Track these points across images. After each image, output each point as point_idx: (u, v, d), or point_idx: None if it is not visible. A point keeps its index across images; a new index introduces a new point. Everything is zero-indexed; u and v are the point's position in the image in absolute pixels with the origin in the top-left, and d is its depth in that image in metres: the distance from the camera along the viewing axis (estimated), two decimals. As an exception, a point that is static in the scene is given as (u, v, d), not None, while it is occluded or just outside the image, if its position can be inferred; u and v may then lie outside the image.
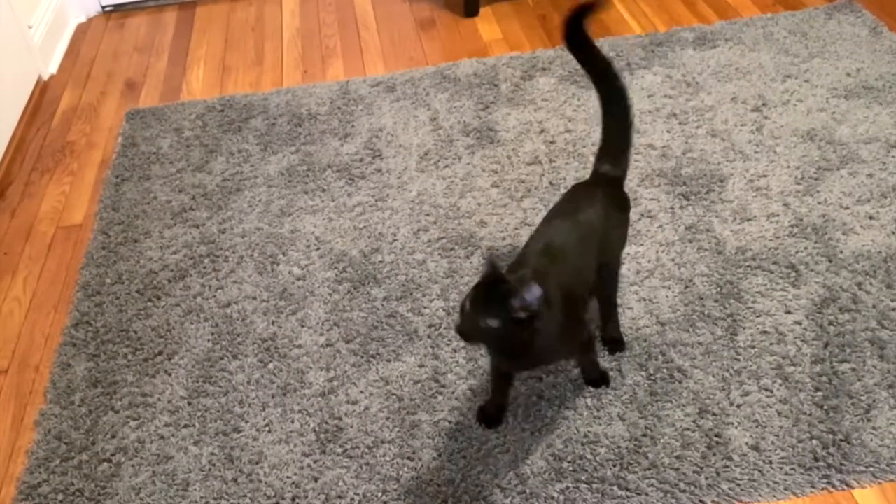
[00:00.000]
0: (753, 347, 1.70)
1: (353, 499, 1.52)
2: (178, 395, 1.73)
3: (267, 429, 1.65)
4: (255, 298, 1.93)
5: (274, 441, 1.63)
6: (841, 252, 1.88)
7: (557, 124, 2.34)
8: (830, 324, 1.73)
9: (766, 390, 1.62)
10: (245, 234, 2.11)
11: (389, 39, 2.88)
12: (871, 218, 1.95)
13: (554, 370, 1.69)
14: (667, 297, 1.82)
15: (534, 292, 1.29)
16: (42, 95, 2.78)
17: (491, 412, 1.61)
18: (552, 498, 1.49)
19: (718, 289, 1.83)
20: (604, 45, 2.65)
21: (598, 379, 1.65)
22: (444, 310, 1.84)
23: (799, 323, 1.74)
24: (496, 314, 1.31)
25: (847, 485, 1.47)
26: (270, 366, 1.77)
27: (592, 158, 2.19)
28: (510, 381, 1.60)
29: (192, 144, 2.44)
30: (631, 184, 2.11)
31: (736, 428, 1.56)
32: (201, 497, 1.55)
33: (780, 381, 1.63)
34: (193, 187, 2.28)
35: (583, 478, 1.51)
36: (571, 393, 1.65)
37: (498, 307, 1.30)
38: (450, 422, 1.62)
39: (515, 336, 1.33)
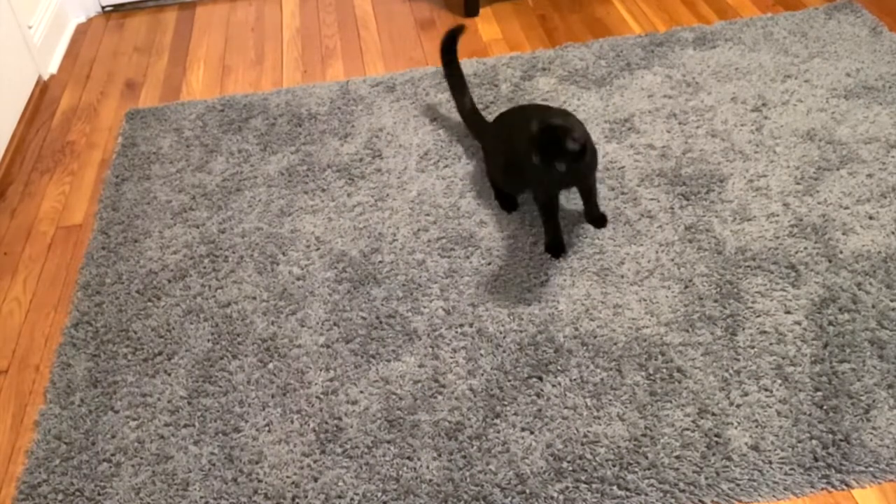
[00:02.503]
0: (753, 347, 1.70)
1: (352, 499, 1.52)
2: (178, 395, 1.73)
3: (267, 429, 1.65)
4: (255, 298, 1.93)
5: (274, 441, 1.63)
6: (841, 252, 1.88)
7: (557, 124, 2.34)
8: (830, 324, 1.73)
9: (766, 390, 1.62)
10: (245, 234, 2.11)
11: (389, 39, 2.88)
12: (870, 218, 1.95)
13: (553, 370, 1.69)
14: (667, 297, 1.82)
15: (577, 135, 1.76)
16: (42, 95, 2.78)
17: (556, 244, 1.95)
18: (552, 498, 1.49)
19: (718, 289, 1.83)
20: (604, 44, 2.65)
21: (599, 218, 2.01)
22: (444, 310, 1.84)
23: (799, 323, 1.74)
24: (563, 154, 1.75)
25: (847, 485, 1.47)
26: (270, 366, 1.77)
27: (592, 158, 2.20)
28: (557, 207, 1.95)
29: (192, 144, 2.44)
30: (631, 184, 2.11)
31: (736, 428, 1.56)
32: (201, 497, 1.55)
33: (779, 381, 1.63)
34: (193, 187, 2.28)
35: (583, 478, 1.51)
36: (571, 393, 1.65)
37: (559, 149, 1.74)
38: (450, 422, 1.63)
39: (577, 163, 1.80)
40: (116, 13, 3.23)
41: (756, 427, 1.56)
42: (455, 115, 2.42)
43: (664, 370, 1.67)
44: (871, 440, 1.52)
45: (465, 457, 1.57)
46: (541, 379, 1.68)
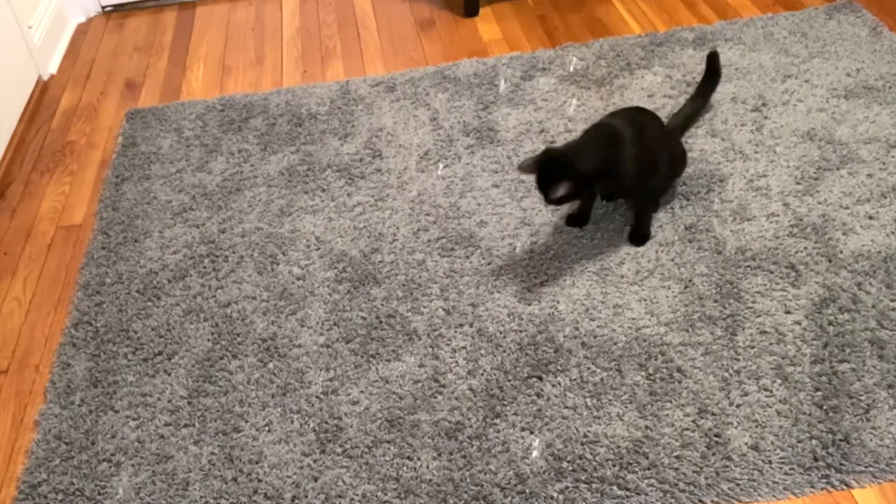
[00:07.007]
0: (753, 347, 1.70)
1: (352, 499, 1.52)
2: (178, 395, 1.73)
3: (267, 429, 1.65)
4: (255, 298, 1.93)
5: (274, 441, 1.63)
6: (841, 252, 1.88)
7: (557, 124, 2.34)
8: (830, 324, 1.73)
9: (766, 390, 1.62)
10: (245, 233, 2.11)
11: (389, 39, 2.88)
12: (870, 218, 1.95)
13: (553, 370, 1.69)
14: (667, 297, 1.82)
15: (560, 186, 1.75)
16: (42, 95, 2.78)
17: (577, 217, 2.01)
18: (552, 498, 1.49)
19: (718, 289, 1.83)
20: (604, 44, 2.65)
21: (641, 236, 1.95)
22: (443, 309, 1.84)
23: (798, 323, 1.74)
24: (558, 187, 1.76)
25: (846, 485, 1.47)
26: (270, 366, 1.77)
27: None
28: (594, 195, 2.00)
29: (192, 144, 2.44)
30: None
31: (735, 428, 1.56)
32: (201, 497, 1.55)
33: (779, 381, 1.63)
34: (193, 187, 2.28)
35: (582, 478, 1.51)
36: (571, 393, 1.65)
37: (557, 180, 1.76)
38: (450, 422, 1.63)
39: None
40: (116, 13, 3.23)
41: (756, 427, 1.56)
42: (455, 115, 2.42)
43: (664, 370, 1.67)
44: (871, 440, 1.52)
45: (465, 457, 1.57)
46: (541, 379, 1.68)
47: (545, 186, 1.78)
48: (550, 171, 1.77)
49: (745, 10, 2.77)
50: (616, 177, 1.83)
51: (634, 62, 2.56)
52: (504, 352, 1.74)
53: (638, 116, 1.93)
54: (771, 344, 1.70)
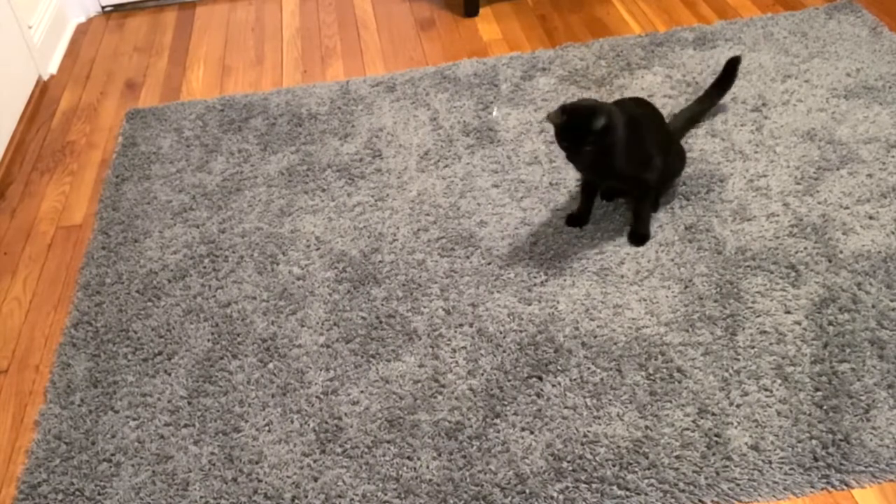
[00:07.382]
0: (753, 347, 1.70)
1: (352, 499, 1.52)
2: (178, 395, 1.73)
3: (267, 429, 1.65)
4: (255, 298, 1.93)
5: (274, 441, 1.63)
6: (841, 252, 1.88)
7: (557, 124, 2.34)
8: (830, 324, 1.73)
9: (766, 390, 1.62)
10: (245, 233, 2.11)
11: (389, 39, 2.88)
12: (870, 218, 1.95)
13: (553, 370, 1.69)
14: (666, 297, 1.82)
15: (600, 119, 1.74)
16: (42, 95, 2.78)
17: (577, 217, 2.01)
18: (552, 498, 1.49)
19: (718, 289, 1.83)
20: (604, 44, 2.65)
21: (640, 236, 1.95)
22: (443, 309, 1.84)
23: (798, 323, 1.74)
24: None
25: (846, 485, 1.47)
26: (270, 366, 1.77)
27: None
28: (594, 194, 2.00)
29: (192, 144, 2.44)
30: (631, 184, 2.11)
31: (735, 428, 1.56)
32: (201, 497, 1.55)
33: (779, 381, 1.63)
34: (193, 187, 2.28)
35: (582, 478, 1.51)
36: (571, 393, 1.65)
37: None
38: (450, 422, 1.63)
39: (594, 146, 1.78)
40: (116, 13, 3.23)
41: (756, 427, 1.56)
42: (455, 115, 2.42)
43: (664, 370, 1.67)
44: (871, 440, 1.52)
45: (465, 457, 1.57)
46: (541, 379, 1.68)
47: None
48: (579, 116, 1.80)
49: (745, 10, 2.77)
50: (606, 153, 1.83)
51: (634, 62, 2.56)
52: (504, 352, 1.74)
53: (636, 109, 1.93)
54: (771, 344, 1.71)
